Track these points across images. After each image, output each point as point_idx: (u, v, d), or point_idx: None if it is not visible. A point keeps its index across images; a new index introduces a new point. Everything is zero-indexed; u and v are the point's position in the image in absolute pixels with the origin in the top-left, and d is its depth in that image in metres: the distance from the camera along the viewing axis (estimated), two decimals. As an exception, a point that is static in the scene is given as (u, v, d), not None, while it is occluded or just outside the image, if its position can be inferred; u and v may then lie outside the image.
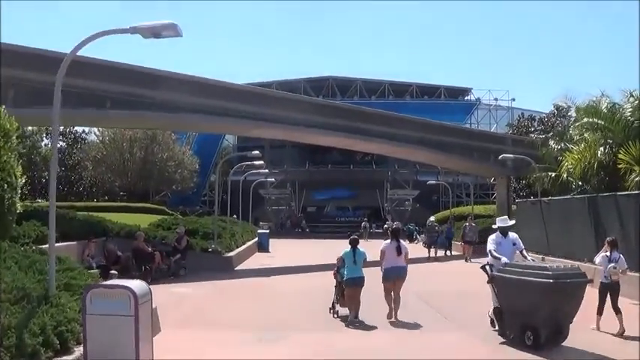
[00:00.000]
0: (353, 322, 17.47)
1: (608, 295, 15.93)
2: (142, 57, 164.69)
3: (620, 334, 15.36)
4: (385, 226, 68.98)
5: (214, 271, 30.47)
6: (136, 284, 11.37)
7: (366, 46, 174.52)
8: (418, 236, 63.23)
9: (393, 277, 18.12)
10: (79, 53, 12.92)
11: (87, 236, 26.71)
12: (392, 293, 18.21)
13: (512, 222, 17.71)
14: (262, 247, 48.49)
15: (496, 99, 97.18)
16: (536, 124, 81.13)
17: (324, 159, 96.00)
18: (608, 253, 16.26)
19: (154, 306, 13.68)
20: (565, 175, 31.84)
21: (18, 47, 30.20)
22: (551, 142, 37.99)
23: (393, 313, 18.03)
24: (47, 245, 22.59)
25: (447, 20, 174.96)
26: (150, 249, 28.89)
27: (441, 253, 44.04)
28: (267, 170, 56.90)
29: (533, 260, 15.94)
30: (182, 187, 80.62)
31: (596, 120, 30.66)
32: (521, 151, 50.91)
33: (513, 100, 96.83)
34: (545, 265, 14.96)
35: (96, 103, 32.88)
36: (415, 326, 17.39)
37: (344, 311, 18.44)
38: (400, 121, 51.15)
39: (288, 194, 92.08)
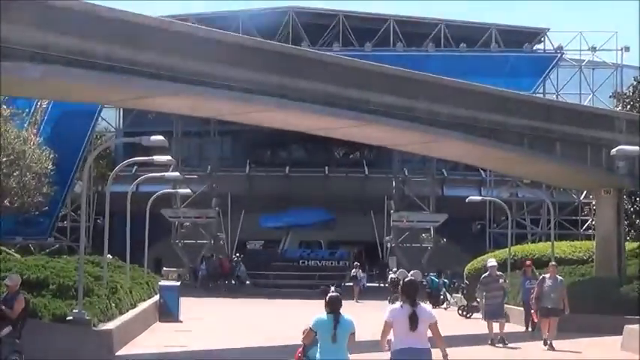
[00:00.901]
0: None
1: None
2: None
3: None
4: (392, 275, 67.49)
5: (76, 358, 28.44)
6: None
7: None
8: (449, 296, 61.22)
9: None
10: None
11: None
12: None
13: None
14: (167, 311, 46.73)
15: (594, 47, 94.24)
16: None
17: (278, 157, 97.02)
18: None
19: None
20: None
21: None
22: None
23: None
24: None
25: None
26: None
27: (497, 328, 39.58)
28: (176, 174, 54.42)
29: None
30: (22, 204, 76.58)
31: None
32: None
33: (626, 49, 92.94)
34: None
35: None
36: None
37: None
38: (428, 87, 47.81)
39: (215, 218, 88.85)
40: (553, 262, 40.39)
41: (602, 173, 51.31)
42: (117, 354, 31.66)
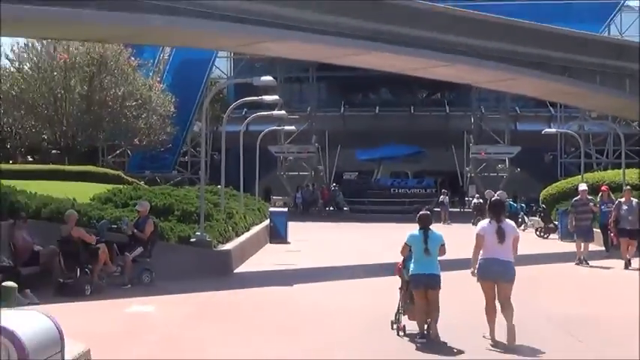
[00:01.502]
0: (424, 341, 16.86)
1: None
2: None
3: None
4: (474, 201, 67.68)
5: (199, 276, 27.71)
6: (30, 324, 8.12)
7: None
8: (526, 218, 60.12)
9: (494, 275, 17.07)
10: None
11: None
12: (495, 301, 17.12)
13: None
14: (277, 234, 46.09)
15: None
16: None
17: (368, 99, 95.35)
18: None
19: (86, 348, 11.72)
20: None
21: None
22: None
23: (501, 331, 16.82)
24: None
25: None
26: (91, 239, 25.85)
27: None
28: (282, 112, 53.60)
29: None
30: (149, 141, 76.30)
31: None
32: None
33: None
34: None
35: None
36: (533, 352, 16.28)
37: (413, 325, 17.45)
38: (504, 28, 47.09)
39: (315, 153, 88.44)
40: (628, 187, 38.03)
41: None
42: (235, 271, 31.04)
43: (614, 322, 20.21)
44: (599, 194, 39.01)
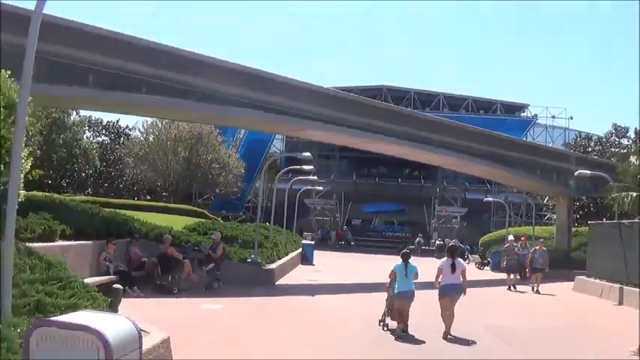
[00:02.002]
0: (400, 334, 17.32)
1: None
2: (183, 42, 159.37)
3: None
4: (437, 243, 68.15)
5: (252, 285, 26.47)
6: (115, 326, 6.87)
7: (422, 57, 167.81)
8: (470, 256, 59.08)
9: (449, 295, 17.93)
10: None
11: (108, 236, 23.17)
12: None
13: None
14: (306, 259, 44.50)
15: (553, 116, 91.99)
16: (593, 144, 76.20)
17: (371, 172, 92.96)
18: None
19: (165, 335, 10.96)
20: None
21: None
22: (633, 158, 33.34)
23: (446, 328, 17.69)
24: (56, 243, 19.10)
25: (504, 35, 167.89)
26: (179, 255, 24.88)
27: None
28: (314, 177, 52.72)
29: None
30: (225, 191, 76.52)
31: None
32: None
33: (571, 118, 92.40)
34: None
35: (128, 87, 28.31)
36: (466, 342, 16.99)
37: (394, 324, 17.87)
38: (468, 133, 46.49)
39: (334, 205, 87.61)
40: (541, 239, 38.64)
41: (561, 187, 50.75)
42: (276, 283, 29.67)
43: (533, 330, 20.13)
44: (519, 242, 38.46)
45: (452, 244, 26.24)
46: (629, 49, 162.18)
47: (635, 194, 30.47)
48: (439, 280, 17.99)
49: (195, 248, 26.79)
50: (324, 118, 36.53)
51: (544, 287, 33.05)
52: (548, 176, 49.76)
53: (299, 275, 35.32)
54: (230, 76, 32.06)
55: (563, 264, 41.08)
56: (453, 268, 17.85)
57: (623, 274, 27.73)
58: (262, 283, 27.62)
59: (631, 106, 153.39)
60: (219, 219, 53.29)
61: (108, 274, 21.19)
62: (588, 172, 39.29)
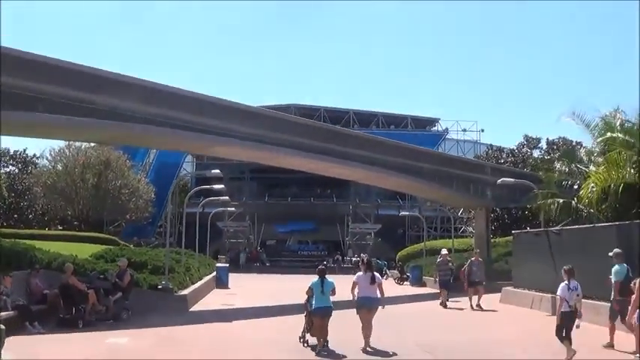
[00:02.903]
0: (321, 351, 17.20)
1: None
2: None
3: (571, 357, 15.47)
4: (354, 259, 67.58)
5: (164, 314, 24.33)
6: None
7: (330, 73, 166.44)
8: (388, 271, 57.94)
9: (367, 307, 17.80)
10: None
11: (7, 267, 21.84)
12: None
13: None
14: (221, 282, 42.40)
15: (464, 130, 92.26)
16: (505, 155, 75.87)
17: (283, 192, 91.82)
18: (566, 282, 16.07)
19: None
20: (586, 200, 25.77)
21: None
22: (557, 164, 32.37)
23: (365, 341, 17.66)
24: None
25: (412, 49, 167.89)
26: (83, 285, 22.56)
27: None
28: (226, 198, 50.69)
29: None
30: (136, 217, 73.53)
31: (622, 136, 25.87)
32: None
33: (482, 131, 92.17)
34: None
35: (25, 106, 26.00)
36: (386, 354, 17.03)
37: (314, 340, 17.86)
38: (380, 145, 45.04)
39: (247, 227, 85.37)
40: (477, 251, 35.37)
41: (478, 198, 49.81)
42: (190, 310, 27.57)
43: (468, 346, 19.07)
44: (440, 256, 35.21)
45: (368, 258, 23.38)
46: (538, 60, 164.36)
47: (562, 200, 29.39)
48: (355, 292, 17.97)
49: (101, 277, 24.45)
50: (232, 134, 34.53)
51: (464, 300, 31.83)
52: (465, 187, 48.85)
53: (214, 300, 33.27)
54: (132, 91, 29.97)
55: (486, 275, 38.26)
56: (372, 280, 17.88)
57: (555, 283, 26.25)
58: (175, 311, 25.52)
59: (542, 117, 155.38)
60: (131, 245, 50.91)
61: (6, 309, 19.06)
62: (512, 179, 38.00)
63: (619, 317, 17.85)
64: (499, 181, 36.75)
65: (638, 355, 16.06)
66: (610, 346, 17.90)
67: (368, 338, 17.55)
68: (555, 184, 31.57)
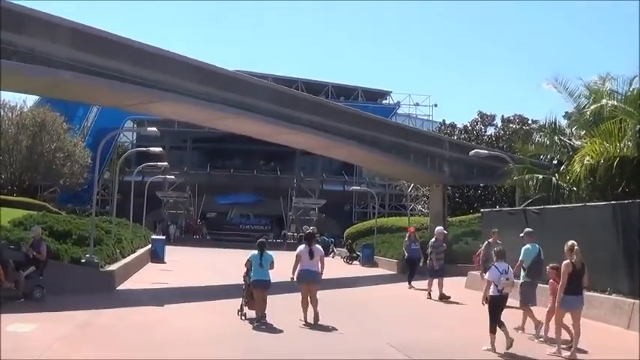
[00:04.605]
0: (259, 320, 17.17)
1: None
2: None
3: (510, 345, 14.24)
4: (300, 234, 63.17)
5: (87, 292, 20.66)
6: None
7: (278, 41, 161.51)
8: (335, 249, 54.63)
9: (306, 280, 17.70)
10: None
11: None
12: (308, 299, 17.83)
13: None
14: (157, 256, 38.76)
15: (417, 104, 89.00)
16: (457, 132, 72.86)
17: (226, 164, 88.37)
18: (496, 264, 14.65)
19: None
20: (576, 175, 22.62)
21: None
22: (537, 137, 29.22)
23: (310, 316, 17.67)
24: None
25: (364, 18, 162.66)
26: (-13, 258, 18.58)
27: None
28: (165, 164, 46.77)
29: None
30: (71, 183, 68.67)
31: (614, 103, 23.40)
32: (457, 156, 46.45)
33: (435, 105, 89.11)
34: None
35: None
36: (325, 328, 17.03)
37: (252, 314, 17.66)
38: (335, 112, 41.18)
39: (187, 198, 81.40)
40: (496, 230, 24.03)
41: (435, 174, 46.22)
42: (118, 288, 23.69)
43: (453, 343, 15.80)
44: (407, 234, 31.17)
45: (309, 231, 22.27)
46: (494, 35, 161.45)
47: (541, 176, 26.27)
48: (297, 266, 17.71)
49: (11, 247, 20.51)
50: (176, 89, 30.24)
51: (419, 284, 28.44)
52: (422, 162, 45.17)
53: (146, 276, 29.39)
54: (62, 34, 25.62)
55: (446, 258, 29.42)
56: (311, 254, 17.73)
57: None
58: (100, 289, 21.84)
59: (496, 94, 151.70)
60: (64, 213, 46.74)
61: None
62: (485, 151, 35.08)
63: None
64: (472, 152, 33.54)
65: (520, 331, 16.61)
66: (521, 329, 17.00)
67: (306, 312, 17.67)
68: (530, 160, 28.67)
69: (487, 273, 15.05)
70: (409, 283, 29.26)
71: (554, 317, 14.87)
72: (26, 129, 64.39)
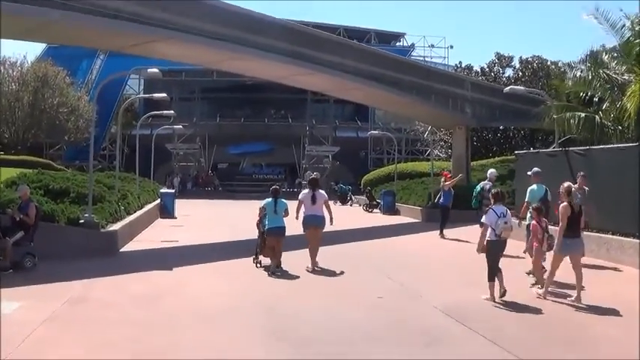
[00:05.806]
0: (275, 271, 16.98)
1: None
2: None
3: (503, 294, 13.35)
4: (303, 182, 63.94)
5: (86, 258, 18.27)
6: None
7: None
8: (353, 197, 52.20)
9: (312, 225, 17.65)
10: None
11: None
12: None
13: None
14: (166, 211, 36.35)
15: (432, 45, 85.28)
16: (474, 74, 69.85)
17: (236, 113, 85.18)
18: (493, 207, 13.55)
19: None
20: (631, 110, 20.11)
21: None
22: (577, 72, 26.41)
23: (312, 261, 17.64)
24: None
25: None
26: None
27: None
28: (171, 112, 44.31)
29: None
30: (76, 138, 66.65)
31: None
32: (479, 98, 44.34)
33: (451, 47, 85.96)
34: None
35: None
36: (332, 273, 17.03)
37: (267, 261, 17.54)
38: (354, 51, 38.59)
39: (198, 149, 79.36)
40: (582, 173, 18.87)
41: (457, 116, 43.89)
42: (121, 250, 21.14)
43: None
44: (443, 178, 28.23)
45: (313, 176, 21.20)
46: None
47: (583, 114, 23.51)
48: (301, 213, 17.72)
49: (-2, 210, 17.98)
50: (184, 29, 27.43)
51: (451, 233, 26.03)
52: (444, 103, 42.86)
53: (155, 234, 26.76)
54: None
55: (464, 204, 27.15)
56: (314, 199, 17.65)
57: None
58: (101, 252, 19.35)
59: (514, 35, 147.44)
60: (70, 170, 44.32)
61: None
62: (521, 87, 33.07)
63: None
64: (507, 89, 30.23)
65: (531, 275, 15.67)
66: (532, 273, 15.64)
67: (314, 258, 17.59)
68: (568, 97, 25.96)
69: (484, 216, 14.02)
70: (441, 232, 26.69)
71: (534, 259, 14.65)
72: (27, 85, 62.42)
